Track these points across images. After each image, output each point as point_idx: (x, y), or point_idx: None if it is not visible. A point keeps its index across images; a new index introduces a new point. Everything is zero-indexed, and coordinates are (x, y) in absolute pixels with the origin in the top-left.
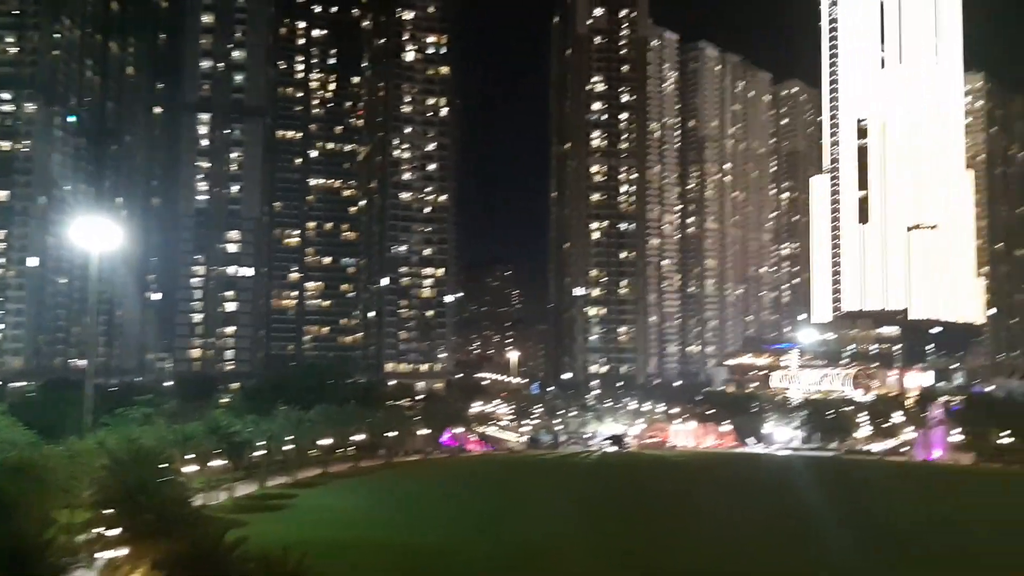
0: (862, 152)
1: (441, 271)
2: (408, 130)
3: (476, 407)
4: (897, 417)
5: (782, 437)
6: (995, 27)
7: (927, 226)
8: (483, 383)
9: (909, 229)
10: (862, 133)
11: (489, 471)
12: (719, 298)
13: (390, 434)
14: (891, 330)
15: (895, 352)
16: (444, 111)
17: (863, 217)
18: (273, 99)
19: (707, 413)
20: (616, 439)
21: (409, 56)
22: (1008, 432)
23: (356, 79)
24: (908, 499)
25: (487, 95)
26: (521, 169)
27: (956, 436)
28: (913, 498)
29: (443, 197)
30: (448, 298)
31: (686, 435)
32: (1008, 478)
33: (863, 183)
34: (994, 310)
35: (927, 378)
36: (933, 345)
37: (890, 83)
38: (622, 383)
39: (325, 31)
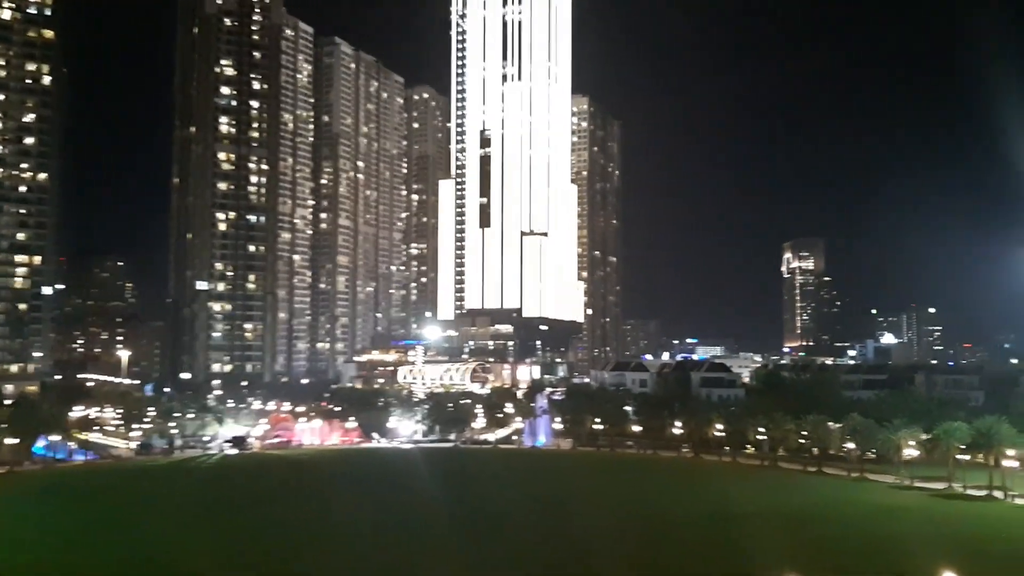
0: (484, 161)
1: (38, 259)
2: (1, 98)
3: (78, 412)
4: (509, 408)
5: (406, 431)
6: (599, 57)
7: (538, 233)
8: (88, 384)
9: (523, 235)
10: (485, 143)
11: (88, 482)
12: (350, 295)
13: None
14: (506, 327)
15: (510, 347)
16: (47, 79)
17: (484, 222)
18: None
19: (334, 410)
20: (238, 441)
21: (5, 14)
22: (599, 419)
23: None
24: (508, 483)
25: (102, 68)
26: (140, 151)
27: (558, 424)
28: (514, 481)
29: (42, 175)
30: (46, 290)
31: (312, 433)
32: (598, 459)
33: (485, 190)
34: (591, 310)
35: (536, 371)
36: (541, 341)
37: (510, 98)
38: (247, 382)
39: None
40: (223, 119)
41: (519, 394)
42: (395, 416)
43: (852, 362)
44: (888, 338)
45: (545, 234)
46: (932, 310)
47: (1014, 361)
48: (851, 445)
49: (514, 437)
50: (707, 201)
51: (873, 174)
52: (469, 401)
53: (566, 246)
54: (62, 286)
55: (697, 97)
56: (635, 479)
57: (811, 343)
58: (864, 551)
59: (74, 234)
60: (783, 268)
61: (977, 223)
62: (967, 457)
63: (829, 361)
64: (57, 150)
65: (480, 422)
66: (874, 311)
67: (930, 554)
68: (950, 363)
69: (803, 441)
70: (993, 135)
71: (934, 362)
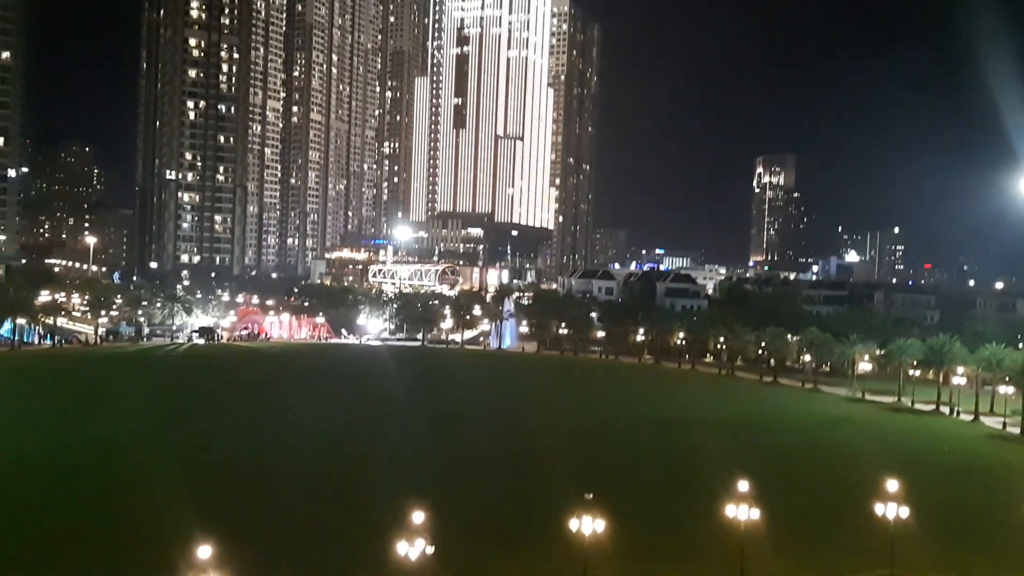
0: (461, 60)
1: (1, 140)
2: None
3: (44, 296)
4: (477, 310)
5: (375, 328)
6: None
7: (513, 136)
8: (54, 270)
9: (498, 138)
10: (462, 41)
11: (58, 366)
12: (321, 192)
13: None
14: (477, 231)
15: (480, 251)
16: None
17: (459, 123)
18: None
19: (304, 305)
20: (206, 331)
21: None
22: (565, 324)
23: None
24: (472, 383)
25: None
26: (108, 34)
27: (524, 328)
28: (477, 382)
29: (6, 54)
30: (10, 173)
31: (281, 327)
32: (562, 363)
33: (460, 90)
34: (562, 218)
35: (504, 275)
36: (511, 246)
37: None
38: (216, 274)
39: None
40: (194, 3)
41: (487, 297)
42: (364, 314)
43: (815, 278)
44: (852, 256)
45: (520, 138)
46: (896, 230)
47: (972, 283)
48: (807, 358)
49: (481, 339)
50: (683, 113)
51: (847, 93)
52: (437, 302)
53: (540, 151)
54: (27, 169)
55: (676, 8)
56: (595, 383)
57: (776, 258)
58: (811, 458)
59: (40, 116)
60: (754, 183)
61: (947, 146)
62: (918, 373)
63: (792, 276)
64: (21, 28)
65: (448, 323)
66: (840, 228)
67: (874, 463)
68: (910, 282)
69: (761, 352)
70: (965, 58)
71: (894, 281)
